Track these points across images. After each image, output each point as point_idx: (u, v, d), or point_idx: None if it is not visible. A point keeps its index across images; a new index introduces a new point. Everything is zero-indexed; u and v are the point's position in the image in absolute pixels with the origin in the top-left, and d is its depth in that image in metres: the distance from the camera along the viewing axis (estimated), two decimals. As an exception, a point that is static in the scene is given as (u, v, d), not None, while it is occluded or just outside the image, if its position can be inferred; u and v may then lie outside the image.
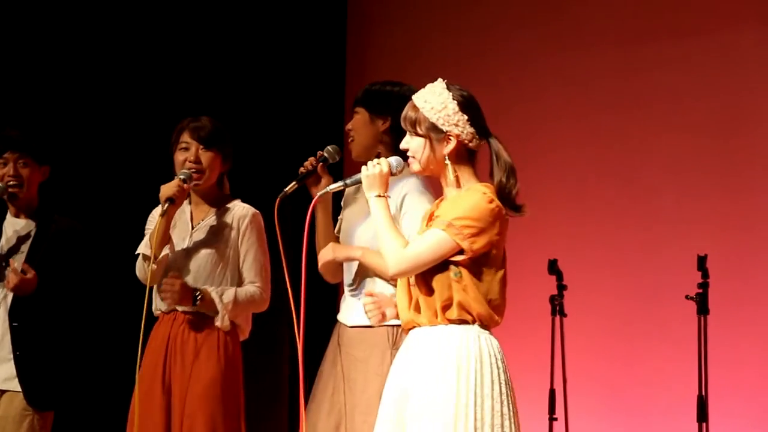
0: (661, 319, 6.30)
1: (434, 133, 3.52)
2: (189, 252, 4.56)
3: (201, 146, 4.57)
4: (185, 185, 4.48)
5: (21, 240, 4.75)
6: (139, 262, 4.52)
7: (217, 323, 4.47)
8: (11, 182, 4.72)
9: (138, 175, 6.07)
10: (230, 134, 4.66)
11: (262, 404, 4.84)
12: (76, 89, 6.37)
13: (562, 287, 6.13)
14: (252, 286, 4.54)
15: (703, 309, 5.69)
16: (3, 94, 6.07)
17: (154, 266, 4.46)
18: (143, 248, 4.51)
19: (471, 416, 3.38)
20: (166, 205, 4.43)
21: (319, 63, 7.14)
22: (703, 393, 5.65)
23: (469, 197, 3.48)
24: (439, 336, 3.47)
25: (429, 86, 3.57)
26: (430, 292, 3.47)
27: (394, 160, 3.59)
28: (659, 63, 6.54)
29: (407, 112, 3.57)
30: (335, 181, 3.82)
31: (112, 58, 6.50)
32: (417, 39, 7.22)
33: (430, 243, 3.43)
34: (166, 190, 4.44)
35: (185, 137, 4.58)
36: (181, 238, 4.59)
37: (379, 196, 3.53)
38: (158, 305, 4.58)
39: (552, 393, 6.06)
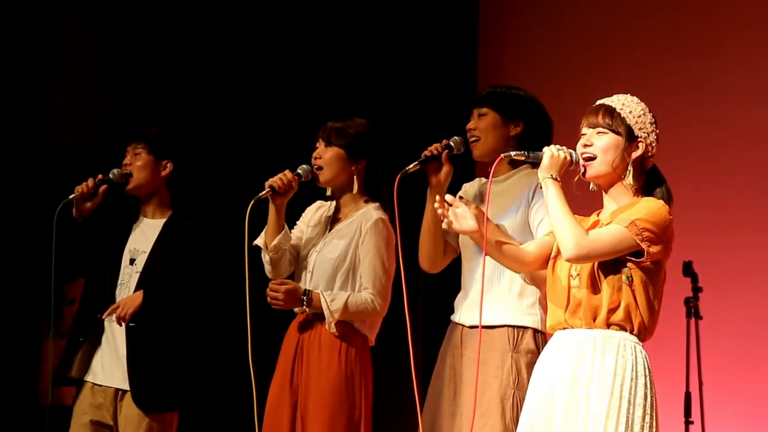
0: (800, 322, 6.20)
1: (627, 136, 3.53)
2: (319, 254, 4.58)
3: (324, 142, 4.58)
4: (295, 178, 4.48)
5: (147, 242, 4.81)
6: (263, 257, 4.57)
7: (327, 327, 4.45)
8: (124, 171, 4.76)
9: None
10: (367, 138, 4.61)
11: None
12: (214, 88, 6.55)
13: (697, 289, 6.05)
14: (365, 292, 4.47)
15: (843, 312, 5.59)
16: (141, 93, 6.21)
17: (268, 257, 4.50)
18: (258, 240, 4.54)
19: (623, 423, 3.39)
20: (266, 190, 4.45)
21: (450, 69, 7.17)
22: None
23: (651, 203, 3.50)
24: (596, 339, 3.47)
25: (618, 95, 3.60)
26: (597, 292, 3.47)
27: (575, 153, 3.56)
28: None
29: (599, 111, 3.56)
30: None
31: (247, 57, 6.65)
32: (549, 44, 7.21)
33: (612, 235, 3.43)
34: (272, 178, 4.49)
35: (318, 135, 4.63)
36: (319, 240, 4.62)
37: (556, 179, 3.51)
38: None
39: (688, 396, 5.99)
